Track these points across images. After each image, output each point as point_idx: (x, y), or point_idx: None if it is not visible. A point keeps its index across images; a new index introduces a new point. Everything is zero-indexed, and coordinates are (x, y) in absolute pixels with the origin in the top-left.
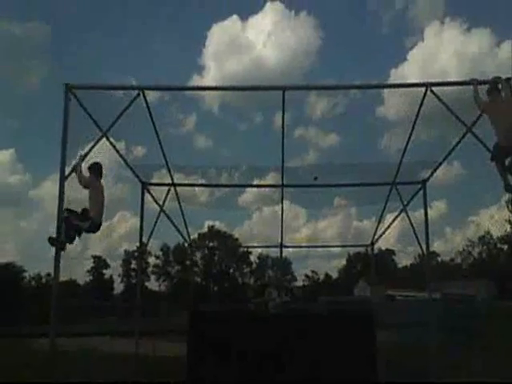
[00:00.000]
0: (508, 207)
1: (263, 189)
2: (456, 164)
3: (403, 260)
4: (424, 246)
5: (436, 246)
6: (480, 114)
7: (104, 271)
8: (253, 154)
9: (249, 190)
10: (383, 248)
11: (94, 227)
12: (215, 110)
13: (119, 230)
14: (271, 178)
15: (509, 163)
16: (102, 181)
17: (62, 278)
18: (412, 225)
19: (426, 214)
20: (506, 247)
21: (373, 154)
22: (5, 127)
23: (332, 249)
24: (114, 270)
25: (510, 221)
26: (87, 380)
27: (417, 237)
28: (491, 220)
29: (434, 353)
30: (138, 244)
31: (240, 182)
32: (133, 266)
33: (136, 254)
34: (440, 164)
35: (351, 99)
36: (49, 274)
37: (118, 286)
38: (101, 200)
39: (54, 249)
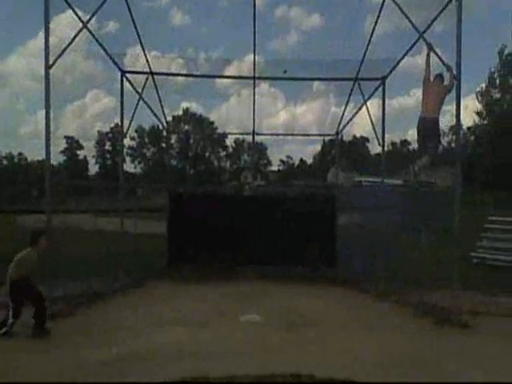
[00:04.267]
0: (478, 98)
1: (242, 72)
2: (439, 51)
3: (376, 148)
4: (385, 135)
5: (410, 134)
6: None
7: (78, 152)
8: (232, 32)
9: (227, 72)
10: (358, 135)
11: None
12: None
13: (91, 110)
14: (249, 61)
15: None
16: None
17: (38, 157)
18: (371, 119)
19: (383, 109)
20: (472, 137)
21: (355, 37)
22: None
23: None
24: (88, 151)
25: (478, 112)
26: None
27: (374, 129)
28: (465, 110)
29: (389, 232)
30: (112, 125)
31: (218, 62)
32: (107, 147)
33: (110, 135)
34: (398, 62)
35: None
36: (20, 154)
37: (93, 168)
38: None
39: (25, 126)
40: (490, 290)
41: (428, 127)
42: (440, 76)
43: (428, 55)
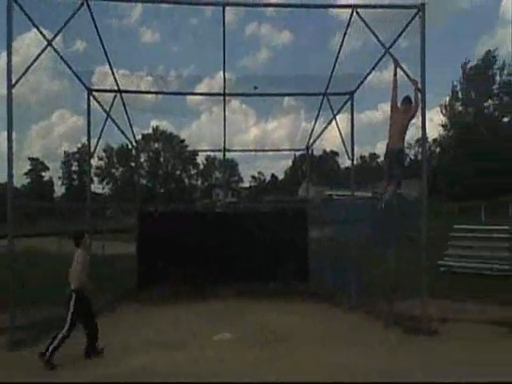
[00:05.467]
0: (442, 111)
1: (213, 89)
2: (405, 66)
3: (346, 161)
4: (354, 149)
5: (378, 147)
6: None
7: (43, 173)
8: (203, 50)
9: (198, 89)
10: (328, 150)
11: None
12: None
13: (58, 130)
14: (220, 78)
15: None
16: None
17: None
18: (340, 133)
19: (352, 123)
20: (438, 150)
21: (324, 52)
22: None
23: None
24: (54, 172)
25: (442, 125)
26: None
27: (343, 143)
28: (430, 122)
29: (360, 245)
30: (79, 145)
31: (188, 80)
32: (74, 168)
33: (77, 155)
34: (365, 77)
35: None
36: None
37: (59, 189)
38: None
39: None
40: (457, 297)
41: (393, 158)
42: (407, 98)
43: (395, 75)
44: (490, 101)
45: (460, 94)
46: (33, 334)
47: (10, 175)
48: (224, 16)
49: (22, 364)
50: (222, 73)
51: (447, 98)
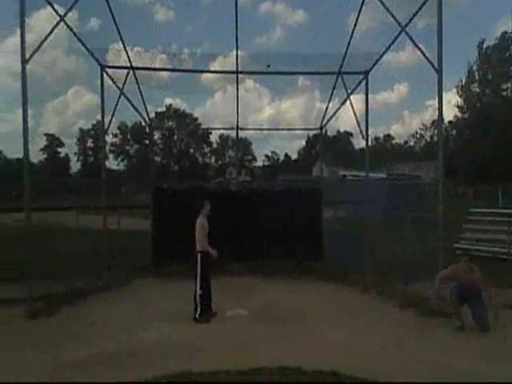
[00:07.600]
0: (458, 93)
1: (227, 67)
2: (422, 47)
3: (360, 142)
4: (368, 130)
5: (394, 128)
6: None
7: (59, 149)
8: (217, 28)
9: (212, 67)
10: (342, 130)
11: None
12: None
13: (74, 107)
14: (234, 57)
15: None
16: None
17: (17, 155)
18: (355, 113)
19: (366, 103)
20: (454, 132)
21: (339, 31)
22: None
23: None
24: (70, 149)
25: (458, 106)
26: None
27: (358, 123)
28: (447, 104)
29: (375, 225)
30: (94, 122)
31: (202, 58)
32: (89, 144)
33: (92, 132)
34: (381, 56)
35: None
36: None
37: (75, 165)
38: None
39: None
40: None
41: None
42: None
43: None
44: (508, 83)
45: (477, 75)
46: (50, 304)
47: (26, 150)
48: None
49: (39, 332)
50: (234, 53)
51: (463, 80)
